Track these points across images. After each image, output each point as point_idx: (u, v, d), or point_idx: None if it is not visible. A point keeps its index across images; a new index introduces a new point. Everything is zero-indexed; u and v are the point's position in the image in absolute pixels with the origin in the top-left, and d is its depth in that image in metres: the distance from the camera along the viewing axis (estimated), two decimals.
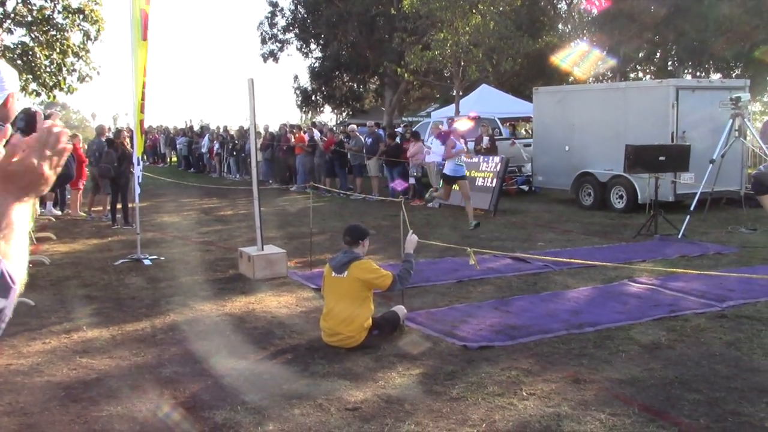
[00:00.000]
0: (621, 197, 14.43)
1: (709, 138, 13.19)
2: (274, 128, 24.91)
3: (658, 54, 29.63)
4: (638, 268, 8.70)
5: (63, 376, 5.32)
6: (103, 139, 14.56)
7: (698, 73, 29.32)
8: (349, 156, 18.23)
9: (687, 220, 11.32)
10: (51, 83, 18.99)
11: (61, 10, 19.04)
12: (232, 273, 8.96)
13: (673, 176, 13.14)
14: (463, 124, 16.89)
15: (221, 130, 27.61)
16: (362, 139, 18.18)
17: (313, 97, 38.51)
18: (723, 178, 12.14)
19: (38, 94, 19.11)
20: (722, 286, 7.79)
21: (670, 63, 29.95)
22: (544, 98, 16.71)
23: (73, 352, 5.88)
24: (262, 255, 8.65)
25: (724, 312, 6.81)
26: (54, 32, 18.99)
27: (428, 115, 27.81)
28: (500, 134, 20.22)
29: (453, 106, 24.27)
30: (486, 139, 16.93)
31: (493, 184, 14.21)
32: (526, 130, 24.15)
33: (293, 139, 20.51)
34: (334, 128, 24.88)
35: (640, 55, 27.68)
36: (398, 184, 16.50)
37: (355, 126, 19.78)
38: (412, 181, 17.20)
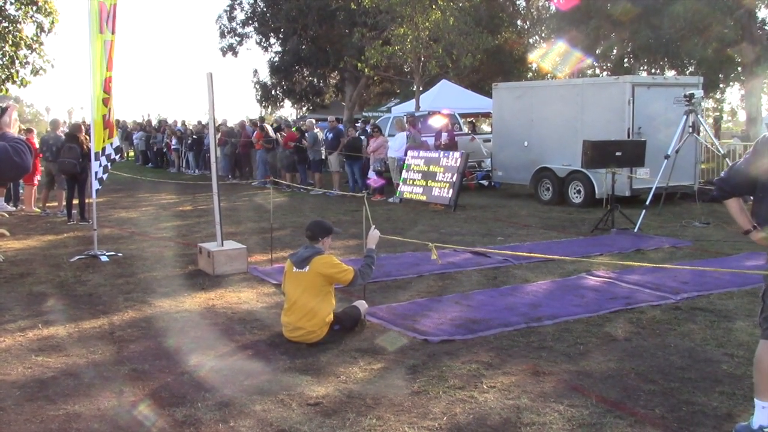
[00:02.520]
0: (579, 192, 14.62)
1: (664, 134, 13.44)
2: (233, 123, 24.75)
3: (615, 51, 30.09)
4: (595, 261, 8.83)
5: (18, 375, 5.22)
6: (59, 134, 14.28)
7: (653, 70, 29.88)
8: (308, 152, 18.15)
9: (643, 214, 11.53)
10: (3, 76, 18.55)
11: (13, 1, 18.60)
12: (191, 269, 8.86)
13: (630, 171, 13.36)
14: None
15: (179, 125, 27.29)
16: (316, 134, 18.11)
17: (273, 92, 38.26)
18: (677, 173, 12.39)
19: None
20: (677, 278, 7.95)
21: (626, 60, 30.44)
22: (504, 94, 16.83)
23: (29, 351, 5.77)
24: (222, 251, 8.57)
25: (678, 304, 6.95)
26: (6, 24, 18.55)
27: (388, 111, 27.84)
28: (460, 129, 20.36)
29: (413, 101, 24.35)
30: (445, 135, 17.01)
31: (453, 180, 14.30)
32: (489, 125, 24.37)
33: (254, 135, 20.36)
34: (294, 123, 24.74)
35: (597, 51, 28.07)
36: (375, 181, 16.49)
37: (313, 121, 19.67)
38: (372, 175, 17.20)
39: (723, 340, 5.88)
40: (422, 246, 8.67)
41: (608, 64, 31.65)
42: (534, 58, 25.87)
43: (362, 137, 18.28)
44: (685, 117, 12.15)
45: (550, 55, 27.46)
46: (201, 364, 5.39)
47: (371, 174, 16.78)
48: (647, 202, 11.86)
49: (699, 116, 12.34)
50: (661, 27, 24.86)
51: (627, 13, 24.73)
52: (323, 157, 18.17)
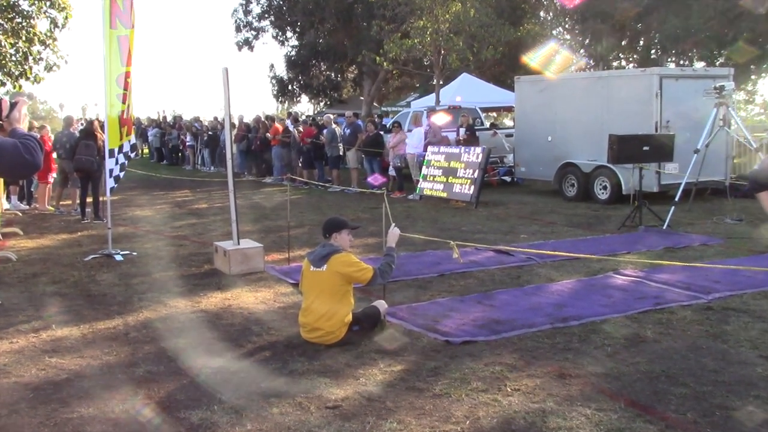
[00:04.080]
0: (605, 188, 14.50)
1: (694, 127, 13.28)
2: (249, 119, 24.82)
3: (641, 42, 29.82)
4: (623, 260, 8.74)
5: (31, 377, 5.25)
6: (73, 131, 14.38)
7: (682, 62, 29.55)
8: (326, 147, 18.15)
9: (672, 210, 11.40)
10: (17, 72, 18.68)
11: None
12: (207, 268, 8.89)
13: (658, 166, 13.22)
14: (439, 118, 16.87)
15: (194, 122, 27.42)
16: (334, 130, 18.09)
17: (290, 87, 38.35)
18: (708, 168, 12.24)
19: (3, 84, 18.80)
20: (708, 277, 7.84)
21: (653, 51, 30.15)
22: (526, 87, 16.73)
23: (42, 352, 5.80)
24: (238, 249, 8.59)
25: (710, 304, 6.86)
26: (20, 19, 18.67)
27: (408, 105, 27.80)
28: (481, 124, 20.27)
29: (433, 95, 24.27)
30: (462, 130, 16.95)
31: (475, 176, 14.23)
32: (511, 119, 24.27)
33: (269, 131, 20.41)
34: (313, 118, 24.77)
35: (623, 43, 27.83)
36: (375, 179, 16.47)
37: (331, 116, 19.68)
38: (392, 172, 17.18)
39: (758, 341, 5.79)
40: (443, 244, 8.63)
41: (634, 56, 31.37)
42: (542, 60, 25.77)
43: (380, 132, 18.27)
44: (715, 110, 12.00)
45: (569, 49, 27.31)
46: (217, 366, 5.39)
47: (374, 172, 16.87)
48: (676, 198, 11.73)
49: (730, 109, 12.18)
50: (690, 16, 24.58)
51: (653, 4, 24.49)
52: (341, 153, 18.19)
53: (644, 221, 11.40)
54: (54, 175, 14.96)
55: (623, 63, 31.86)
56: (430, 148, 15.73)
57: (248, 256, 8.61)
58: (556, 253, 8.71)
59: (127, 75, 9.43)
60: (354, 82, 40.81)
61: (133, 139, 10.03)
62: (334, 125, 18.48)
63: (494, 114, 26.32)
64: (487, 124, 22.04)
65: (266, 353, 5.70)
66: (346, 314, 5.84)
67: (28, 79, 18.97)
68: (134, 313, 6.90)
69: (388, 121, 21.56)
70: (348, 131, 18.22)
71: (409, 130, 17.52)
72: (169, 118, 31.94)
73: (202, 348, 5.83)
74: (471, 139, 16.64)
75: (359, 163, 18.28)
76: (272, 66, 41.24)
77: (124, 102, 9.44)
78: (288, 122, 20.50)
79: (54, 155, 14.58)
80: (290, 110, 37.76)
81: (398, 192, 16.31)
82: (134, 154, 10.43)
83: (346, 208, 14.41)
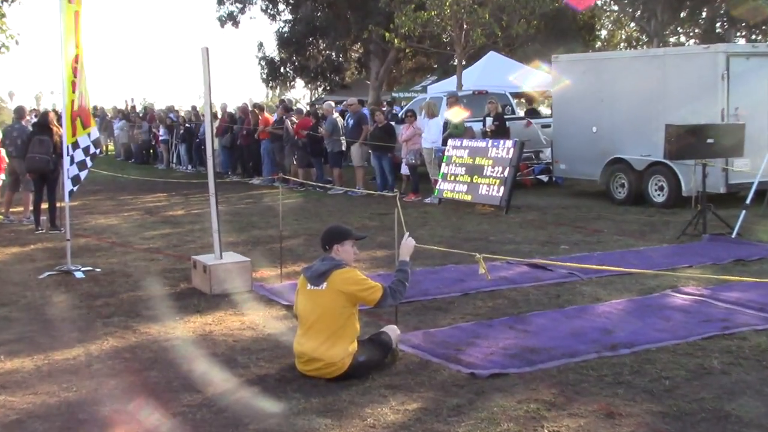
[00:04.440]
0: (661, 189, 14.48)
1: None
2: (233, 108, 24.89)
3: (704, 13, 29.77)
4: (683, 275, 8.71)
5: None
6: (25, 124, 14.43)
7: (753, 37, 29.48)
8: (325, 142, 18.18)
9: (742, 216, 11.36)
10: None
11: None
12: (183, 287, 8.91)
13: (725, 163, 13.18)
14: (455, 114, 16.83)
15: (169, 112, 27.53)
16: (335, 121, 18.11)
17: (282, 69, 38.46)
18: None
19: None
20: None
21: (718, 24, 30.09)
22: (566, 68, 16.74)
23: None
24: (220, 265, 8.61)
25: None
26: None
27: (423, 90, 27.84)
28: (512, 112, 20.28)
29: (454, 78, 24.30)
30: (489, 119, 16.95)
31: (505, 174, 14.23)
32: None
33: (257, 123, 20.47)
34: (310, 106, 24.85)
35: (681, 15, 27.81)
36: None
37: (332, 104, 19.72)
38: (405, 171, 17.19)
39: None
40: (467, 257, 8.61)
41: (696, 30, 31.33)
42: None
43: (391, 122, 18.30)
44: None
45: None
46: (196, 405, 5.40)
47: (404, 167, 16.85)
48: (747, 201, 11.68)
49: None
50: None
51: None
52: (343, 148, 18.22)
53: (709, 229, 11.36)
54: (2, 176, 15.03)
55: (682, 39, 31.82)
56: (450, 142, 15.75)
57: (233, 273, 8.62)
58: (604, 267, 8.70)
59: (76, 59, 9.42)
60: (359, 64, 40.91)
61: (94, 132, 10.04)
62: (335, 115, 18.52)
63: (528, 99, 26.26)
64: (520, 112, 22.04)
65: (255, 389, 5.71)
66: (350, 342, 5.84)
67: None
68: (98, 341, 6.92)
69: (400, 110, 21.61)
70: (352, 122, 18.26)
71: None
72: (139, 108, 32.12)
73: (179, 383, 5.85)
74: (500, 131, 16.65)
75: (365, 161, 18.32)
76: (261, 45, 41.26)
77: (74, 91, 9.45)
78: (275, 114, 20.57)
79: (2, 153, 14.65)
80: (283, 97, 37.90)
81: (412, 195, 16.33)
82: (98, 150, 10.44)
83: (350, 214, 14.43)
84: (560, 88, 16.84)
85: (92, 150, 9.95)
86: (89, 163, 9.92)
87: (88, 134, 9.82)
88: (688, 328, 6.89)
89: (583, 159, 15.98)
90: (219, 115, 23.59)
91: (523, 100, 26.06)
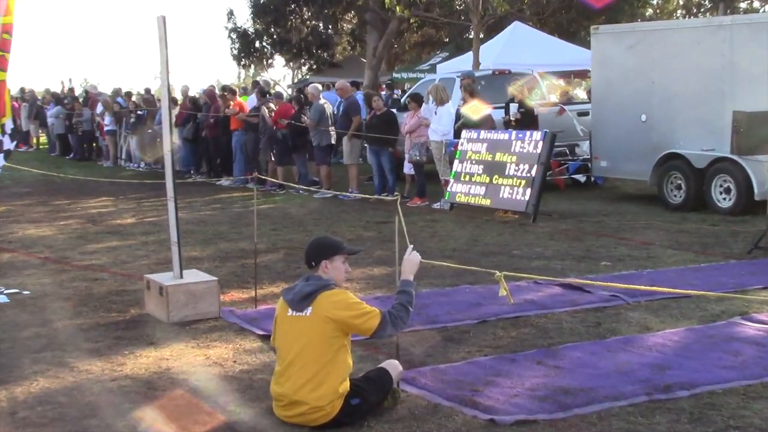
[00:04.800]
0: (727, 191, 14.49)
1: None
2: (197, 92, 24.90)
3: None
4: (756, 298, 8.67)
5: None
6: None
7: None
8: (310, 134, 18.17)
9: None
10: None
11: None
12: (134, 314, 8.88)
13: None
14: (474, 110, 16.73)
15: (116, 96, 27.52)
16: (322, 107, 18.05)
17: (258, 44, 38.50)
18: None
19: None
20: None
21: None
22: (609, 43, 16.74)
23: None
24: (180, 285, 8.58)
25: None
26: None
27: (432, 70, 27.87)
28: (541, 97, 20.27)
29: (469, 54, 24.34)
30: (514, 106, 16.90)
31: (532, 174, 14.22)
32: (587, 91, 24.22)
33: (229, 109, 20.47)
34: (299, 90, 24.84)
35: None
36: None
37: (318, 86, 19.71)
38: (408, 170, 17.17)
39: None
40: (486, 276, 8.60)
41: None
42: None
43: (392, 110, 18.30)
44: None
45: None
46: None
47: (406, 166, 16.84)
48: None
49: None
50: None
51: None
52: (332, 141, 18.22)
53: None
54: None
55: (756, 3, 31.84)
56: (465, 134, 15.75)
57: (196, 296, 8.60)
58: (655, 288, 8.67)
59: (9, 28, 9.36)
60: (352, 37, 40.97)
61: (8, 124, 9.87)
62: (322, 100, 18.52)
63: (560, 81, 26.28)
64: (552, 97, 22.04)
65: None
66: (340, 380, 5.82)
67: None
68: (25, 382, 6.88)
69: (402, 95, 21.62)
70: (344, 109, 18.26)
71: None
72: (79, 92, 32.09)
73: None
74: (527, 120, 16.63)
75: (360, 157, 18.31)
76: (231, 13, 41.19)
77: (5, 69, 9.41)
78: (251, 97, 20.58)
79: None
80: (258, 79, 37.90)
81: (417, 199, 16.33)
82: (13, 144, 10.23)
83: (341, 222, 14.44)
84: (601, 66, 16.83)
85: (6, 145, 9.78)
86: (3, 160, 9.79)
87: (2, 125, 9.71)
88: (762, 365, 6.87)
89: (630, 154, 15.97)
90: (179, 101, 23.60)
91: (556, 81, 26.09)
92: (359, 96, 20.50)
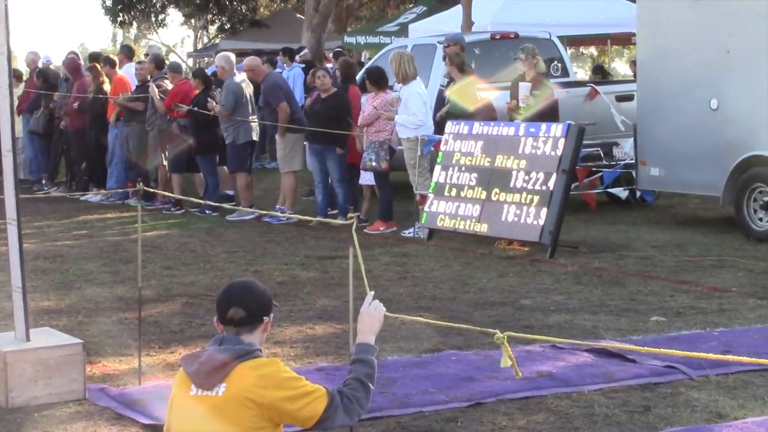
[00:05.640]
0: None
1: None
2: (54, 63, 24.84)
3: None
4: None
5: None
6: None
7: None
8: (222, 127, 18.11)
9: None
10: None
11: None
12: None
13: None
14: (466, 92, 16.73)
15: None
16: (239, 87, 18.00)
17: None
18: None
19: None
20: None
21: None
22: None
23: None
24: (27, 352, 8.55)
25: None
26: None
27: (402, 32, 27.95)
28: (564, 72, 20.32)
29: (456, 10, 24.43)
30: (525, 87, 16.83)
31: (549, 186, 14.24)
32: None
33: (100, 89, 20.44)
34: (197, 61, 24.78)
35: None
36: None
37: (231, 56, 19.62)
38: (366, 180, 17.12)
39: None
40: (481, 338, 8.65)
41: None
42: None
43: (341, 92, 18.32)
44: None
45: None
46: None
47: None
48: None
49: None
50: None
51: None
52: (254, 137, 18.22)
53: None
54: None
55: None
56: (450, 127, 15.72)
57: (50, 367, 8.56)
58: (731, 357, 8.74)
59: None
60: None
61: None
62: (239, 77, 18.49)
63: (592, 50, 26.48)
64: (580, 73, 22.15)
65: None
66: None
67: None
68: None
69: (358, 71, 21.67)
70: (263, 98, 18.25)
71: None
72: None
73: None
74: (542, 107, 16.66)
75: (300, 163, 18.27)
76: None
77: None
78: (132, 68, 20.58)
79: None
80: (142, 44, 37.85)
81: (381, 223, 16.31)
82: None
83: (267, 257, 14.45)
84: (651, 28, 16.94)
85: None
86: None
87: None
88: None
89: (693, 158, 16.00)
90: (24, 76, 23.52)
91: (585, 50, 26.26)
92: (297, 71, 20.50)
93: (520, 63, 17.21)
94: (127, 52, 23.08)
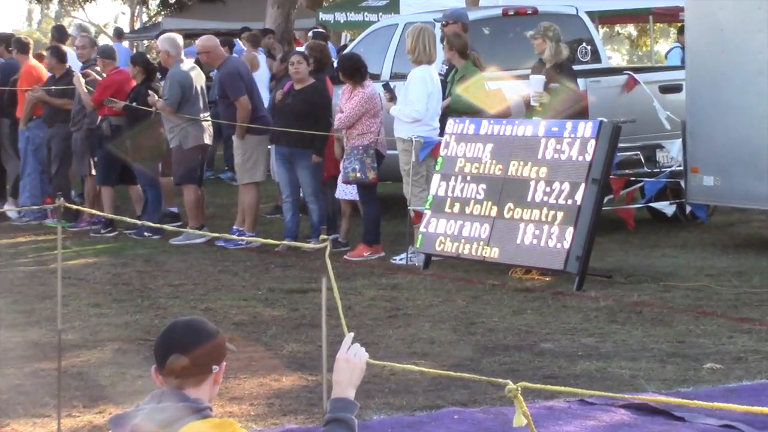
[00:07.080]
0: None
1: None
2: None
3: None
4: None
5: None
6: None
7: None
8: (165, 127, 18.13)
9: None
10: None
11: None
12: None
13: None
14: (475, 87, 16.69)
15: None
16: (188, 77, 17.98)
17: None
18: None
19: None
20: None
21: None
22: None
23: None
24: None
25: None
26: None
27: (392, 7, 28.09)
28: (595, 57, 20.40)
29: None
30: (538, 80, 16.79)
31: (577, 200, 14.27)
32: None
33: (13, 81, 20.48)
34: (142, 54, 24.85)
35: None
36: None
37: (177, 38, 19.65)
38: (343, 194, 17.11)
39: None
40: (490, 390, 8.66)
41: None
42: None
43: (319, 84, 18.37)
44: None
45: None
46: None
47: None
48: None
49: None
50: None
51: None
52: (206, 141, 18.24)
53: None
54: None
55: None
56: (451, 125, 15.72)
57: None
58: None
59: None
60: None
61: None
62: (186, 64, 18.52)
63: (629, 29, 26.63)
64: (615, 57, 22.24)
65: None
66: None
67: None
68: None
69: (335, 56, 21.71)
70: (219, 88, 18.28)
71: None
72: None
73: None
74: (566, 99, 16.67)
75: (263, 172, 18.30)
76: None
77: None
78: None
79: None
80: (67, 22, 38.04)
81: (365, 247, 16.32)
82: None
83: (222, 289, 14.46)
84: (704, 3, 17.00)
85: None
86: None
87: None
88: None
89: (757, 165, 16.07)
90: None
91: (623, 32, 26.39)
92: (260, 53, 20.58)
93: (537, 47, 17.11)
94: (58, 35, 23.01)
